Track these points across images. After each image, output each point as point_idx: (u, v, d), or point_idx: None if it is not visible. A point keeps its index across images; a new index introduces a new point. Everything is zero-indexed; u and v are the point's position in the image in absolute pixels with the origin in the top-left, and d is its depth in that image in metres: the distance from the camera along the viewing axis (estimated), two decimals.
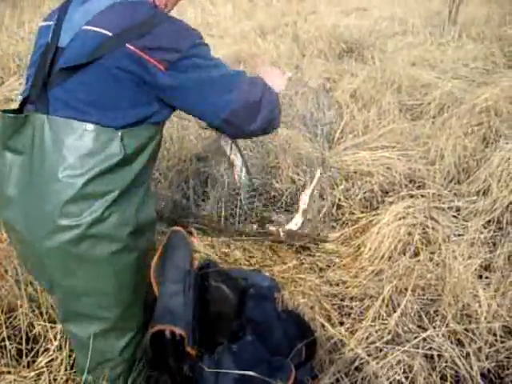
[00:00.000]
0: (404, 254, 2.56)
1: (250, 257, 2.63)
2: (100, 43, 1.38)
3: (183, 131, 3.48)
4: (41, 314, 2.10)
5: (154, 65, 1.39)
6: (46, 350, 2.01)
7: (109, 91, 1.42)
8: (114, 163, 1.42)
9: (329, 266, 2.59)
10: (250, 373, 1.42)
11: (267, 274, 2.37)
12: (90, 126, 1.39)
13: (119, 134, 1.42)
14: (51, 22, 1.51)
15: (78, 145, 1.39)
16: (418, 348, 2.03)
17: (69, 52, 1.43)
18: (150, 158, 1.56)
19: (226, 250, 2.69)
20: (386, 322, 2.17)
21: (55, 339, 1.99)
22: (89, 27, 1.41)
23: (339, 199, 3.09)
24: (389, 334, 2.11)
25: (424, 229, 2.69)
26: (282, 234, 2.58)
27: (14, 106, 3.69)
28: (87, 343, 1.59)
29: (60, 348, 1.97)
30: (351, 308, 2.32)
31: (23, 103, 1.56)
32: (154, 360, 1.50)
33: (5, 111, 1.54)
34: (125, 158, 1.44)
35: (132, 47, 1.37)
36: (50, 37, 1.48)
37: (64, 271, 1.48)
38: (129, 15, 1.42)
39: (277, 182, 3.12)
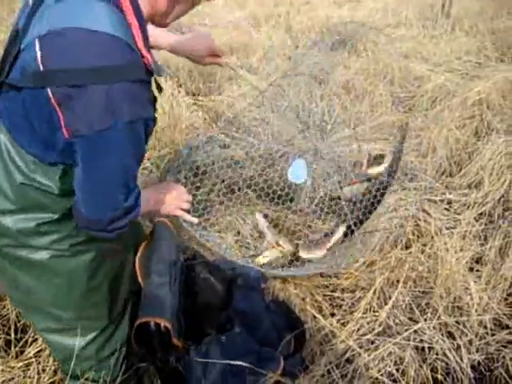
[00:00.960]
0: (396, 247, 2.55)
1: (241, 246, 2.62)
2: (26, 71, 1.17)
3: (174, 120, 3.46)
4: None
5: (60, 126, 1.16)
6: (35, 340, 1.99)
7: (24, 123, 1.25)
8: (52, 195, 1.35)
9: None
10: (239, 363, 1.41)
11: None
12: (31, 158, 1.29)
13: (59, 170, 1.31)
14: (26, 9, 1.28)
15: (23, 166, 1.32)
16: (409, 340, 2.04)
17: (18, 62, 1.23)
18: None
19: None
20: (377, 313, 2.17)
21: None
22: (36, 43, 1.14)
23: (331, 191, 3.07)
24: (380, 325, 2.11)
25: (416, 221, 2.69)
26: None
27: None
28: (44, 337, 1.60)
29: None
30: (342, 299, 2.32)
31: None
32: (140, 352, 1.48)
33: None
34: (62, 192, 1.35)
35: (51, 94, 1.13)
36: (20, 27, 1.28)
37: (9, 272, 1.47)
38: (77, 53, 1.12)
39: (279, 176, 3.10)
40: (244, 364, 1.40)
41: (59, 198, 1.36)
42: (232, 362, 1.40)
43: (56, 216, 1.39)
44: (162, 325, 1.37)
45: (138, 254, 1.62)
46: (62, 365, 1.65)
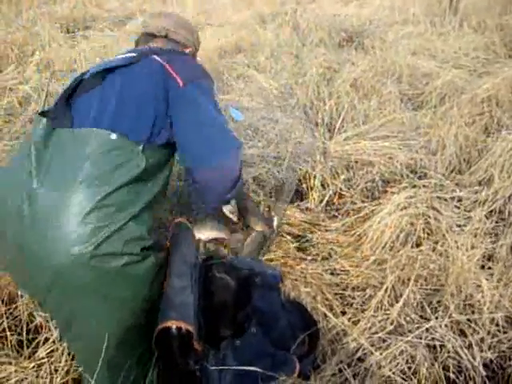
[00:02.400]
0: (406, 244, 2.54)
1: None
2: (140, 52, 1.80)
3: None
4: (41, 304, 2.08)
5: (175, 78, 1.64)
6: (47, 340, 2.00)
7: (130, 103, 1.62)
8: (135, 175, 1.46)
9: (330, 256, 2.58)
10: (254, 368, 1.41)
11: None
12: (113, 136, 1.45)
13: (140, 146, 1.49)
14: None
15: (98, 153, 1.45)
16: (420, 338, 2.02)
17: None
18: (166, 179, 1.62)
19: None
20: (388, 312, 2.15)
21: (55, 330, 1.97)
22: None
23: (340, 189, 3.07)
24: (391, 324, 2.10)
25: (426, 219, 2.67)
26: None
27: (11, 96, 3.68)
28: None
29: (60, 339, 1.95)
30: (353, 298, 2.31)
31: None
32: (161, 356, 1.47)
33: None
34: (145, 171, 1.49)
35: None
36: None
37: (78, 288, 1.45)
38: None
39: (277, 171, 3.10)
40: (259, 370, 1.40)
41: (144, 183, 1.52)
42: (247, 368, 1.40)
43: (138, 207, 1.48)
44: (184, 328, 1.37)
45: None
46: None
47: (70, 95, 1.65)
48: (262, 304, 1.63)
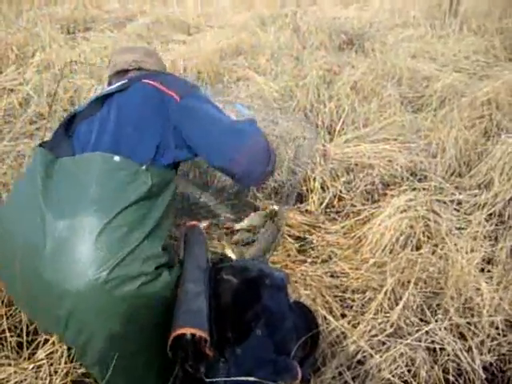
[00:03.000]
0: (406, 247, 2.55)
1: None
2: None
3: None
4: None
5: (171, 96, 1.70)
6: (46, 342, 1.99)
7: (128, 127, 1.67)
8: (142, 193, 1.48)
9: (330, 258, 2.58)
10: (255, 379, 1.40)
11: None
12: (117, 158, 1.48)
13: (144, 166, 1.52)
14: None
15: (102, 176, 1.48)
16: (420, 341, 2.02)
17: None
18: (173, 194, 1.63)
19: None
20: (388, 314, 2.15)
21: None
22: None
23: (340, 191, 3.07)
24: (391, 327, 2.10)
25: (426, 222, 2.67)
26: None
27: (10, 97, 3.67)
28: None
29: (60, 340, 1.95)
30: (353, 300, 2.31)
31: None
32: (174, 362, 1.46)
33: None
34: (151, 188, 1.50)
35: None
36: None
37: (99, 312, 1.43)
38: None
39: (277, 173, 3.10)
40: (259, 380, 1.39)
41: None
42: (250, 379, 1.39)
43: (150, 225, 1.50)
44: (198, 335, 1.36)
45: None
46: None
47: (68, 125, 1.71)
48: (271, 304, 1.63)
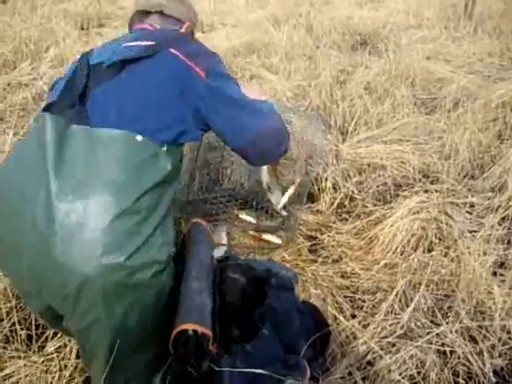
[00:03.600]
0: (417, 249, 2.54)
1: (260, 247, 2.61)
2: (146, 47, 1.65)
3: None
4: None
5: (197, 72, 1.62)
6: (55, 335, 2.01)
7: (153, 98, 1.59)
8: (159, 178, 1.43)
9: (341, 258, 2.57)
10: (264, 372, 1.40)
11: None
12: (139, 138, 1.41)
13: (165, 148, 1.48)
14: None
15: (123, 157, 1.40)
16: (430, 343, 2.02)
17: (106, 57, 1.68)
18: (178, 182, 1.64)
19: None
20: (398, 316, 2.15)
21: None
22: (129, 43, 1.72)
23: (352, 192, 3.06)
24: (401, 328, 2.09)
25: (438, 224, 2.66)
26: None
27: (25, 91, 3.70)
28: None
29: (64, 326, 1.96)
30: (363, 301, 2.30)
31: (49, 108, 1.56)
32: (176, 358, 1.46)
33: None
34: (169, 173, 1.47)
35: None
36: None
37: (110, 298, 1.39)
38: None
39: (289, 173, 3.09)
40: (269, 373, 1.39)
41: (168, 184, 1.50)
42: (257, 371, 1.39)
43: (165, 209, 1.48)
44: (200, 331, 1.36)
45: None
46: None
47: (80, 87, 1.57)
48: (277, 304, 1.62)
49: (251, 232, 2.64)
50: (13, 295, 2.10)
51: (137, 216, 1.37)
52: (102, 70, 1.60)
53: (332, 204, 2.99)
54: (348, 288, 2.39)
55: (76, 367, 1.91)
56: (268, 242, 2.61)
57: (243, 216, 2.71)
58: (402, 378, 1.89)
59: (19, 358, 1.90)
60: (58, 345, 1.98)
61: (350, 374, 1.89)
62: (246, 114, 1.66)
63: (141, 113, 1.49)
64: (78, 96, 1.53)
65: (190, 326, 1.37)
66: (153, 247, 1.40)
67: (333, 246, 2.65)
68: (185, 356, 1.39)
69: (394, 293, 2.23)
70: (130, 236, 1.35)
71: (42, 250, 1.36)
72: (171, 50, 1.60)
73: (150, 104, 1.52)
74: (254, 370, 1.39)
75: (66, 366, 1.89)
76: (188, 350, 1.38)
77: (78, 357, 1.92)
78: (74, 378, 1.88)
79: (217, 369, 1.38)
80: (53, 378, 1.85)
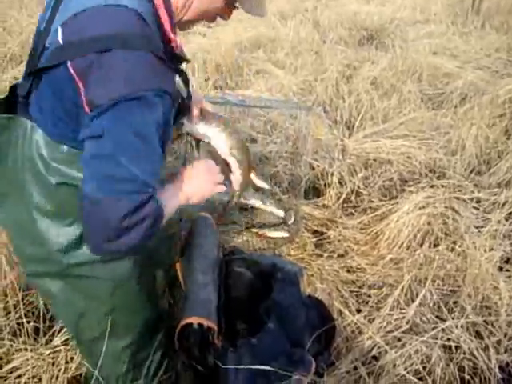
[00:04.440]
0: (423, 244, 2.54)
1: (267, 241, 2.61)
2: (51, 51, 1.18)
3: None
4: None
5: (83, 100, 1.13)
6: (63, 328, 2.01)
7: (56, 109, 1.23)
8: None
9: (347, 253, 2.57)
10: (269, 368, 1.40)
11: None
12: (64, 148, 1.25)
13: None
14: (48, 12, 1.29)
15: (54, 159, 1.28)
16: (436, 339, 2.01)
17: (44, 54, 1.23)
18: None
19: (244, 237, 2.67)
20: (404, 311, 2.15)
21: None
22: (59, 28, 1.17)
23: (358, 186, 3.06)
24: (407, 323, 2.09)
25: (444, 219, 2.66)
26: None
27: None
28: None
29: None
30: (369, 296, 2.30)
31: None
32: (181, 351, 1.46)
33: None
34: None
35: (71, 67, 1.13)
36: (43, 28, 1.29)
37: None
38: (94, 23, 1.13)
39: (295, 168, 3.09)
40: (274, 369, 1.39)
41: None
42: (262, 367, 1.39)
43: None
44: (205, 325, 1.37)
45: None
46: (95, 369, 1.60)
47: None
48: (282, 299, 1.62)
49: (254, 230, 2.63)
50: (19, 288, 2.10)
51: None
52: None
53: (338, 199, 2.99)
54: (354, 283, 2.39)
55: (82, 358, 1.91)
56: (273, 238, 2.60)
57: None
58: (408, 372, 1.89)
59: (26, 350, 1.91)
60: (66, 337, 1.98)
61: (355, 368, 1.89)
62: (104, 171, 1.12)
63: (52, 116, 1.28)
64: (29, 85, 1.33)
65: (195, 320, 1.38)
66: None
67: (339, 241, 2.65)
68: (190, 349, 1.40)
69: (400, 287, 2.22)
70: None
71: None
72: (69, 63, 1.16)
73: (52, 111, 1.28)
74: (258, 367, 1.40)
75: (72, 359, 1.90)
76: (193, 344, 1.38)
77: None
78: (79, 370, 1.88)
79: (222, 366, 1.38)
80: (59, 370, 1.86)
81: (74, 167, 1.26)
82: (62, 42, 1.14)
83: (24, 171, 1.30)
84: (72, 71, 1.12)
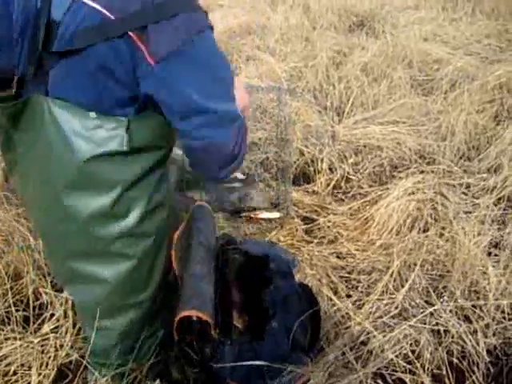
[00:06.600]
0: (413, 229, 2.54)
1: (258, 228, 2.61)
2: (96, 27, 1.18)
3: None
4: (46, 281, 2.09)
5: (145, 57, 1.19)
6: (52, 316, 2.01)
7: (101, 79, 1.25)
8: (120, 153, 1.31)
9: (337, 239, 2.57)
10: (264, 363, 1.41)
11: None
12: (93, 114, 1.26)
13: (125, 122, 1.28)
14: None
15: (81, 133, 1.28)
16: (424, 323, 2.02)
17: (62, 30, 1.22)
18: (164, 143, 1.44)
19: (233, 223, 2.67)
20: (393, 296, 2.15)
21: (61, 306, 1.98)
22: (94, 4, 1.17)
23: (348, 172, 3.07)
24: (396, 308, 2.10)
25: (433, 205, 2.67)
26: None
27: None
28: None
29: (66, 315, 1.97)
30: (359, 281, 2.31)
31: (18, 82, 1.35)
32: (179, 342, 1.47)
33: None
34: (131, 149, 1.32)
35: (134, 35, 1.17)
36: (40, 2, 1.24)
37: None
38: None
39: (285, 154, 3.08)
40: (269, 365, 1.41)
41: (130, 157, 1.34)
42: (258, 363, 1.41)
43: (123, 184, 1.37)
44: (203, 318, 1.36)
45: (174, 240, 1.60)
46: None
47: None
48: (280, 294, 1.62)
49: (246, 214, 2.62)
50: (8, 277, 2.10)
51: (93, 189, 1.35)
52: None
53: (328, 185, 2.99)
54: (343, 268, 2.39)
55: (72, 346, 1.91)
56: (267, 219, 2.60)
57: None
58: (396, 356, 1.89)
59: (15, 339, 1.90)
60: (55, 325, 1.98)
61: (343, 353, 1.89)
62: (201, 120, 1.29)
63: (87, 92, 1.30)
64: (38, 63, 1.31)
65: (193, 313, 1.38)
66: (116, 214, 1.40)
67: (328, 227, 2.65)
68: (188, 342, 1.40)
69: (389, 273, 2.23)
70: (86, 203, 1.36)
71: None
72: (129, 34, 1.21)
73: (92, 87, 1.30)
74: (254, 363, 1.41)
75: (61, 346, 1.90)
76: (191, 336, 1.39)
77: (73, 336, 1.93)
78: (69, 357, 1.88)
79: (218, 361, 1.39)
80: (49, 358, 1.85)
81: (101, 133, 1.28)
82: (113, 17, 1.16)
83: (49, 149, 1.31)
84: (133, 36, 1.17)
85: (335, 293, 2.22)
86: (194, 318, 1.38)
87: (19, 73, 1.31)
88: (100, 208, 1.35)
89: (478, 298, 2.17)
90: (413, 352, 1.92)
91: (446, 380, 1.88)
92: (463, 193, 2.89)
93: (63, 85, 1.28)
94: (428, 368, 1.89)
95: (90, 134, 1.27)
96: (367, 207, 2.76)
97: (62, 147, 1.29)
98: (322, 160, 3.07)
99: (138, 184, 1.39)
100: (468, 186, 2.95)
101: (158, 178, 1.45)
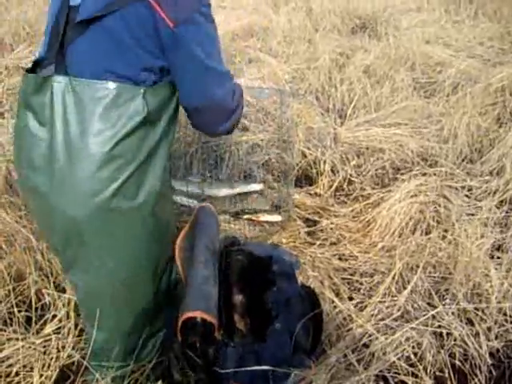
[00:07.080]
0: (415, 232, 2.54)
1: (260, 230, 2.61)
2: None
3: None
4: (49, 282, 2.10)
5: (163, 19, 1.36)
6: (54, 317, 2.01)
7: (123, 46, 1.39)
8: (137, 122, 1.40)
9: (339, 241, 2.57)
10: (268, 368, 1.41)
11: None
12: (112, 85, 1.36)
13: (141, 90, 1.40)
14: None
15: (100, 106, 1.37)
16: (427, 325, 2.02)
17: (83, 7, 1.38)
18: (172, 117, 1.53)
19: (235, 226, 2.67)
20: (395, 298, 2.15)
21: (63, 307, 1.99)
22: None
23: (350, 175, 3.07)
24: (398, 310, 2.10)
25: (436, 207, 2.67)
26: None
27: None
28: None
29: (68, 316, 1.97)
30: (361, 283, 2.31)
31: (37, 65, 1.49)
32: (183, 342, 1.47)
33: (28, 70, 1.49)
34: (148, 116, 1.42)
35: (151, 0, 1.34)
36: None
37: (102, 233, 1.46)
38: None
39: (287, 156, 3.09)
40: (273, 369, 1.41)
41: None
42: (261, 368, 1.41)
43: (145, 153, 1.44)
44: (208, 320, 1.36)
45: (178, 241, 1.61)
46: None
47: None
48: (283, 294, 1.62)
49: (247, 216, 2.62)
50: (10, 278, 2.10)
51: (115, 163, 1.39)
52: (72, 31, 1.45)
53: (330, 187, 2.99)
54: (346, 270, 2.39)
55: (73, 347, 1.92)
56: (268, 222, 2.60)
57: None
58: (398, 359, 1.89)
59: (17, 339, 1.90)
60: (57, 326, 1.98)
61: (345, 356, 1.89)
62: (204, 78, 1.48)
63: (111, 56, 1.42)
64: (59, 45, 1.44)
65: (197, 314, 1.37)
66: (127, 193, 1.43)
67: (331, 229, 2.65)
68: (192, 343, 1.40)
69: (392, 275, 2.23)
70: (108, 182, 1.39)
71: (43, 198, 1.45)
72: None
73: (117, 48, 1.42)
74: (256, 368, 1.41)
75: (63, 347, 1.90)
76: (195, 337, 1.39)
77: (75, 337, 1.93)
78: (71, 358, 1.88)
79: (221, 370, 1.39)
80: (51, 359, 1.86)
81: (121, 102, 1.38)
82: None
83: (71, 128, 1.38)
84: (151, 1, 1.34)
85: (337, 295, 2.21)
86: (198, 320, 1.38)
87: (40, 56, 1.49)
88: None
89: (481, 301, 2.17)
90: (415, 354, 1.92)
91: (449, 382, 1.88)
92: (466, 195, 2.89)
93: (85, 58, 1.41)
94: (430, 370, 1.90)
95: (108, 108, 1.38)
96: (369, 209, 2.76)
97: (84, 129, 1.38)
98: (324, 162, 3.07)
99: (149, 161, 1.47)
100: (470, 189, 2.95)
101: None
